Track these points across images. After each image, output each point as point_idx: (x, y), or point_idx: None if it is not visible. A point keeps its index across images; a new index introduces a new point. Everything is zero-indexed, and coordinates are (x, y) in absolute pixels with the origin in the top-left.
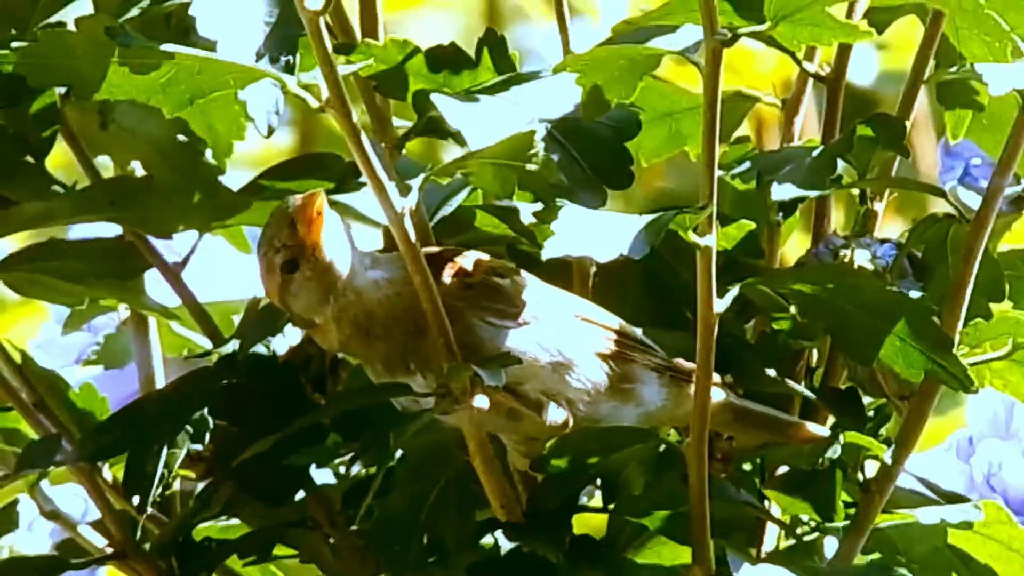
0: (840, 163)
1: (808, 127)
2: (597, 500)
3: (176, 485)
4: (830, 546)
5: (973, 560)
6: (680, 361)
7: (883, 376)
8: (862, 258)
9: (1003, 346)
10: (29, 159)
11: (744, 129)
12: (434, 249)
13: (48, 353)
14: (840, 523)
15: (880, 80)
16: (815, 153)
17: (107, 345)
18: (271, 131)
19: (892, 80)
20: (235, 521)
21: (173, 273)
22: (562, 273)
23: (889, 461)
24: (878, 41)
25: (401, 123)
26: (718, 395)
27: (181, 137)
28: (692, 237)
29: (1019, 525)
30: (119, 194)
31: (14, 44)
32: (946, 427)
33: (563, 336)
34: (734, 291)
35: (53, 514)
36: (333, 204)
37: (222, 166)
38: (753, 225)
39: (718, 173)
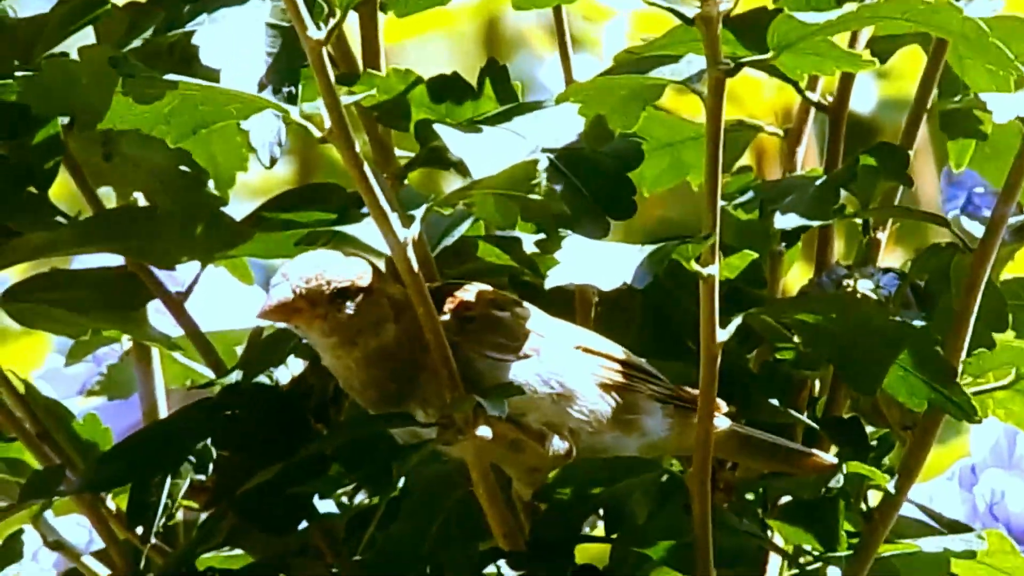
0: (842, 192)
1: (808, 156)
2: (600, 530)
3: (179, 515)
4: None
5: None
6: (686, 388)
7: (886, 406)
8: (865, 288)
9: (1006, 376)
10: (32, 190)
11: (745, 159)
12: (434, 284)
13: (52, 384)
14: (843, 553)
15: (879, 107)
16: (818, 183)
17: (110, 376)
18: (273, 161)
19: (891, 107)
20: (238, 551)
21: (176, 303)
22: (565, 303)
23: (892, 490)
24: (878, 69)
25: (403, 153)
26: (723, 424)
27: (183, 168)
28: (695, 267)
29: (1022, 554)
30: (122, 225)
31: (17, 74)
32: (949, 456)
33: (564, 368)
34: (737, 321)
35: (57, 544)
36: (336, 235)
37: (224, 197)
38: (756, 255)
39: (721, 203)
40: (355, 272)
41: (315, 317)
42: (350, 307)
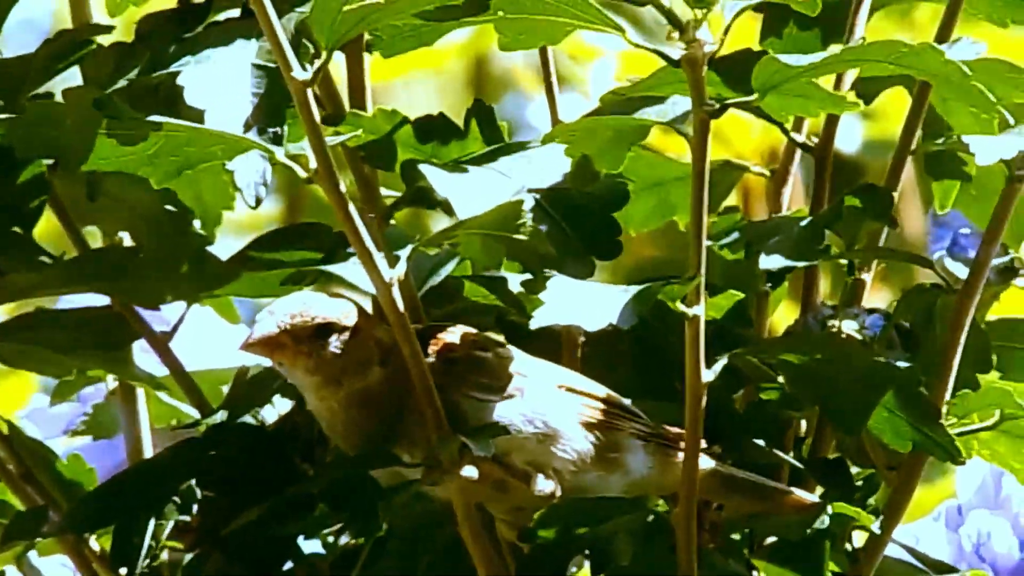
0: (827, 232)
1: (793, 196)
2: (585, 571)
3: (164, 556)
4: None
5: None
6: (667, 427)
7: (871, 446)
8: (850, 328)
9: (991, 416)
10: (17, 230)
11: (732, 199)
12: (419, 326)
13: (36, 424)
14: None
15: (864, 147)
16: (803, 223)
17: (95, 415)
18: (259, 202)
19: (876, 147)
20: None
21: (161, 343)
22: (551, 342)
23: (877, 531)
24: (863, 110)
25: (389, 192)
26: (706, 463)
27: (169, 207)
28: (680, 307)
29: None
30: (107, 265)
31: (2, 116)
32: (935, 496)
33: (548, 407)
34: (722, 361)
35: None
36: (322, 274)
37: (211, 236)
38: (741, 295)
39: (707, 243)
40: (341, 311)
41: (299, 354)
42: (335, 345)
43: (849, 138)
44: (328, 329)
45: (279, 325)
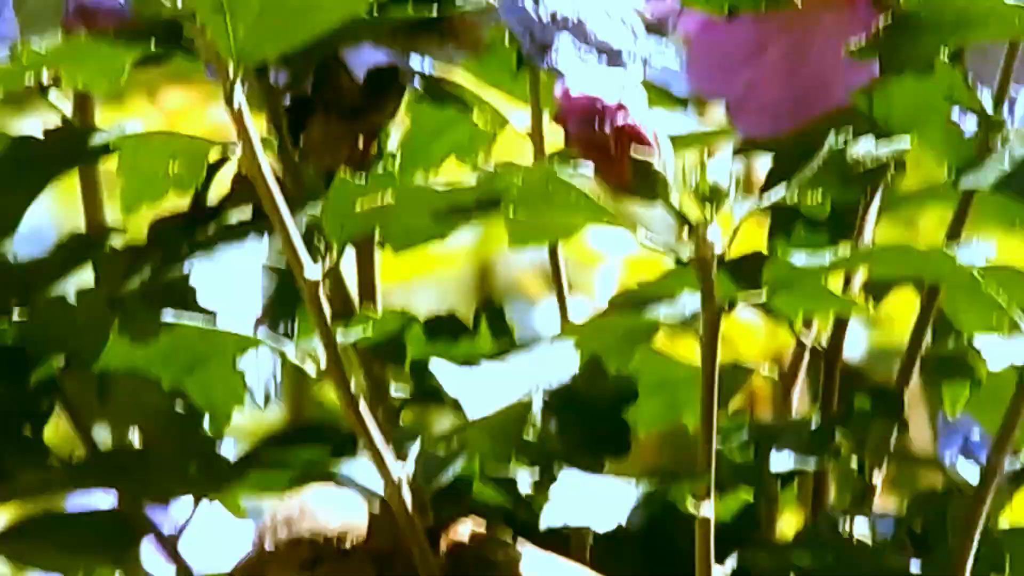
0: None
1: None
2: None
3: None
4: None
5: None
6: None
7: None
8: (861, 532)
9: None
10: (26, 431)
11: (737, 402)
12: (428, 524)
13: None
14: None
15: (869, 356)
16: (813, 425)
17: None
18: (268, 400)
19: (881, 356)
20: None
21: (169, 543)
22: (560, 536)
23: None
24: (868, 316)
25: (398, 385)
26: None
27: (179, 406)
28: (690, 507)
29: None
30: (116, 464)
31: (15, 317)
32: None
33: None
34: (732, 561)
35: None
36: (328, 475)
37: (220, 433)
38: (750, 497)
39: (716, 444)
40: (335, 527)
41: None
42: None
43: (853, 346)
44: (317, 554)
45: (267, 548)
